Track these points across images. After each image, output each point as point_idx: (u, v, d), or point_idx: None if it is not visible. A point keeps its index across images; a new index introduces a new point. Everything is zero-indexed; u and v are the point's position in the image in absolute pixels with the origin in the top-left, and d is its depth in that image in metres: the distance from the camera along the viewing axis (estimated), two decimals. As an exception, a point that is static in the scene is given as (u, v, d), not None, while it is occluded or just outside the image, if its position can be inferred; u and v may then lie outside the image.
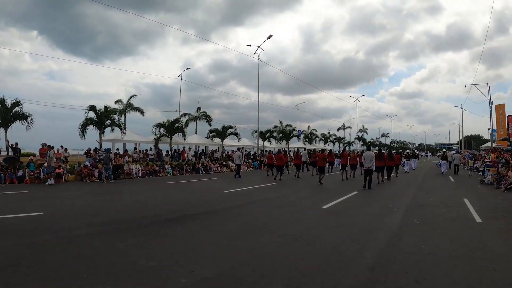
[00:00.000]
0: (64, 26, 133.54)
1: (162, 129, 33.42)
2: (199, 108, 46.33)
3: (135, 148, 32.08)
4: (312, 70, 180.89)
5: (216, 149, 40.34)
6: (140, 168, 26.26)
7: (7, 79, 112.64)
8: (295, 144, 52.92)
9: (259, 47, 42.97)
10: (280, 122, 56.61)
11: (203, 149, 40.32)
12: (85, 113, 27.46)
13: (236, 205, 12.83)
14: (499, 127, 47.40)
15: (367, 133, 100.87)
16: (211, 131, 40.59)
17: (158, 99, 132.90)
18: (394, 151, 35.50)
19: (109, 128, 29.42)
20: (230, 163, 35.77)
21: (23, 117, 24.69)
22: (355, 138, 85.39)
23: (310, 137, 60.61)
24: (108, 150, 25.20)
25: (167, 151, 33.39)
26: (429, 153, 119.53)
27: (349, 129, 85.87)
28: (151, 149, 32.81)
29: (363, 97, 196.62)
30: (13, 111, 24.39)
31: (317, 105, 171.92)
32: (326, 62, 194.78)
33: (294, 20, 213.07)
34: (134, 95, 39.17)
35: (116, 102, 37.80)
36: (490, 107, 49.85)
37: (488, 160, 23.85)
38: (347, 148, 40.56)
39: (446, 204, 13.34)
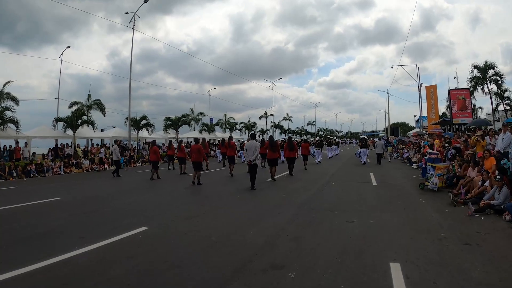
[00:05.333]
0: None
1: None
2: (89, 96, 38.18)
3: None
4: (242, 60, 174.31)
5: (67, 143, 29.29)
6: None
7: None
8: (191, 133, 43.02)
9: (135, 13, 33.42)
10: (191, 110, 51.79)
11: (56, 144, 29.19)
12: None
13: None
14: (430, 110, 41.47)
15: (291, 121, 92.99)
16: (57, 120, 29.57)
17: (83, 91, 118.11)
18: (299, 139, 28.25)
19: None
20: (82, 160, 25.75)
21: None
22: (271, 126, 76.77)
23: (209, 125, 51.02)
24: None
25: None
26: (354, 140, 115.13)
27: (271, 117, 77.76)
28: None
29: (293, 88, 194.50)
30: None
31: (247, 95, 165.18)
32: (256, 52, 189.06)
33: (224, 9, 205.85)
34: (9, 81, 30.08)
35: None
36: (420, 90, 43.24)
37: (432, 151, 14.09)
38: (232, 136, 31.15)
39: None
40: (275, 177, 15.79)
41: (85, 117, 30.39)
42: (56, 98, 35.97)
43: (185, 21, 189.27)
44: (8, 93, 29.67)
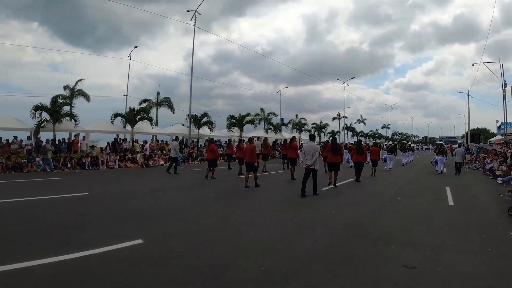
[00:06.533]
0: (64, 16, 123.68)
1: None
2: (158, 93, 39.40)
3: (16, 137, 23.83)
4: (316, 60, 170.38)
5: (124, 138, 29.35)
6: (-5, 162, 19.26)
7: (10, 71, 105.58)
8: (255, 132, 40.93)
9: (196, 11, 32.88)
10: (262, 109, 50.50)
11: (115, 138, 29.16)
12: None
13: None
14: (517, 113, 36.06)
15: (365, 124, 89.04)
16: (116, 115, 29.52)
17: (161, 90, 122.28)
18: (371, 142, 26.01)
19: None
20: (138, 156, 25.38)
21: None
22: (343, 128, 73.04)
23: (275, 125, 48.65)
24: (48, 141, 21.98)
25: (59, 141, 24.70)
26: (431, 146, 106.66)
27: (344, 118, 74.40)
28: (28, 138, 24.77)
29: (368, 89, 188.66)
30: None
31: (322, 96, 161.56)
32: (330, 52, 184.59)
33: (297, 9, 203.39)
34: (81, 79, 33.52)
35: (64, 88, 33.19)
36: (504, 91, 37.77)
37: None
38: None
39: None
40: (336, 184, 14.07)
41: (144, 113, 30.21)
42: (125, 95, 37.53)
43: (258, 22, 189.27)
44: (80, 90, 32.67)
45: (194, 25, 33.04)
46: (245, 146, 19.08)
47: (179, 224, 7.53)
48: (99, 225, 7.31)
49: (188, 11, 33.40)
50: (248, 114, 39.98)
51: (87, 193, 11.65)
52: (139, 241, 5.95)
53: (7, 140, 22.94)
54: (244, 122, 38.97)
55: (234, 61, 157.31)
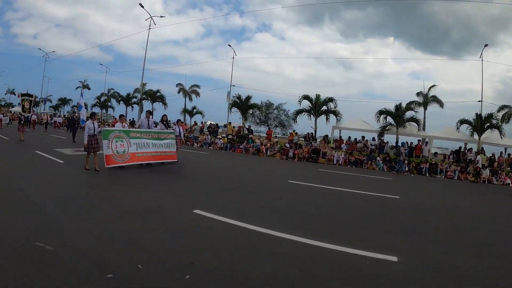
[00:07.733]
0: (417, 28, 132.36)
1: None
2: None
3: (363, 137, 27.96)
4: None
5: (470, 148, 25.73)
6: (342, 156, 23.68)
7: (374, 82, 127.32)
8: None
9: None
10: None
11: (460, 147, 27.18)
12: (299, 101, 29.94)
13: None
14: None
15: None
16: (461, 122, 27.08)
17: None
18: None
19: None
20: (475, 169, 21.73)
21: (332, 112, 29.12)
22: None
23: None
24: (403, 144, 25.03)
25: (402, 144, 25.67)
26: None
27: None
28: (373, 139, 27.42)
29: None
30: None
31: None
32: None
33: None
34: (434, 85, 33.51)
35: (417, 94, 34.36)
36: None
37: None
38: None
39: None
40: None
41: (493, 121, 26.38)
42: (479, 101, 33.61)
43: None
44: (433, 96, 32.59)
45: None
46: None
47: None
48: (374, 228, 7.18)
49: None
50: None
51: (398, 197, 11.51)
52: (392, 258, 5.12)
53: (355, 139, 27.21)
54: None
55: None
